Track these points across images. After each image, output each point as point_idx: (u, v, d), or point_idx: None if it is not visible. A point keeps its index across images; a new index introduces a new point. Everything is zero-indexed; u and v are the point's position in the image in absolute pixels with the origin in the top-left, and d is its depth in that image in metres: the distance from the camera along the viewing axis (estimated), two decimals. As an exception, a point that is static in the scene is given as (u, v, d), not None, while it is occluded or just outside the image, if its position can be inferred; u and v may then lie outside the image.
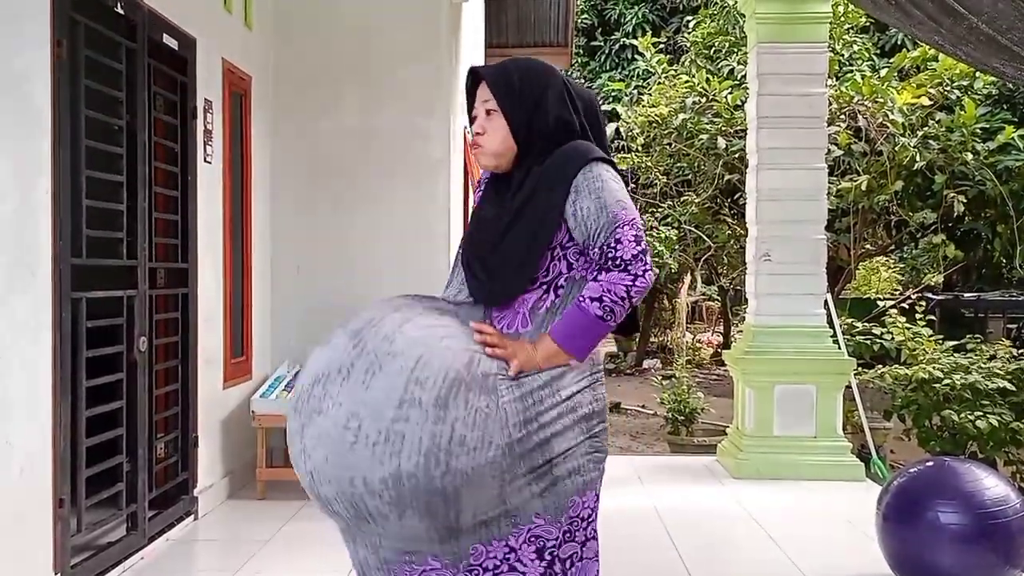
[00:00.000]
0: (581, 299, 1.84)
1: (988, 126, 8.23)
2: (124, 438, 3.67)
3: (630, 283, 1.83)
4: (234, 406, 4.92)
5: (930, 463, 3.64)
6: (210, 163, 4.56)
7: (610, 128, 9.91)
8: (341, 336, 1.84)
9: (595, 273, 1.85)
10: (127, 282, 3.75)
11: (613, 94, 12.37)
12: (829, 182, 6.18)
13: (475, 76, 2.01)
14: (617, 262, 1.82)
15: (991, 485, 3.32)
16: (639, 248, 1.84)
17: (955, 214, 7.88)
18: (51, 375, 3.13)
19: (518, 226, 1.90)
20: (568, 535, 1.88)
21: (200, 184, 4.40)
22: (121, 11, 3.63)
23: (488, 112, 1.96)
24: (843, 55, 9.29)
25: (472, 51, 7.22)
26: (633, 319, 2.07)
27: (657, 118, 9.34)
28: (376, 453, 1.70)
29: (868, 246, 9.72)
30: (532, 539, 1.84)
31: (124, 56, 3.69)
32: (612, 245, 1.83)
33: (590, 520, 1.91)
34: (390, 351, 1.75)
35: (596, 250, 1.85)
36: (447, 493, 1.72)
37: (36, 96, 3.05)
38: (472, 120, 2.02)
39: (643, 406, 10.61)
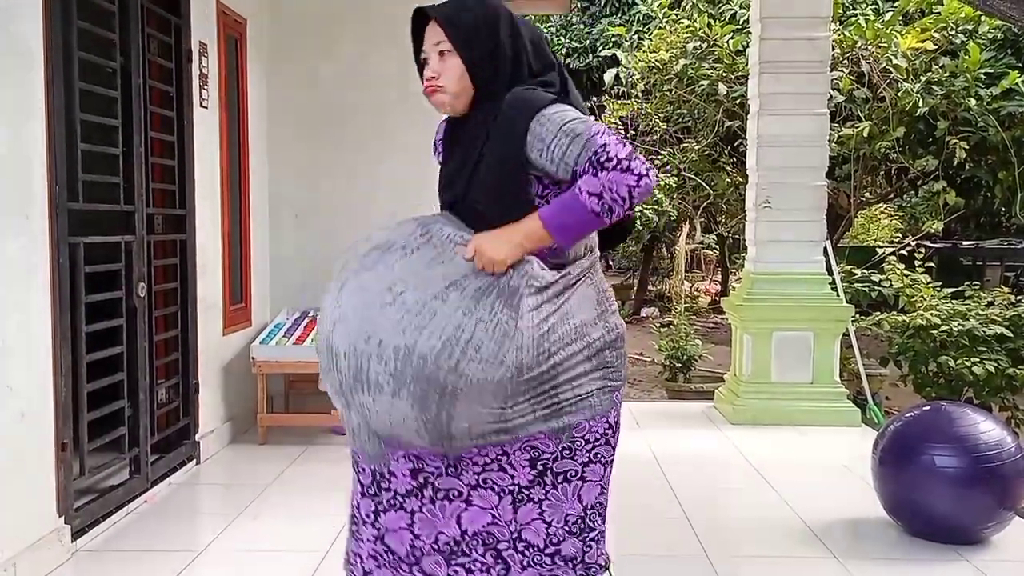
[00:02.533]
0: (579, 191, 1.76)
1: (992, 71, 8.12)
2: (125, 383, 3.69)
3: (634, 182, 1.75)
4: (234, 353, 4.93)
5: (926, 407, 3.66)
6: (206, 108, 4.50)
7: (610, 74, 9.78)
8: (410, 224, 1.88)
9: (591, 169, 1.76)
10: (125, 228, 3.73)
11: (613, 39, 12.20)
12: (830, 128, 6.11)
13: (422, 17, 1.92)
14: (614, 162, 1.74)
15: (987, 429, 3.34)
16: (629, 149, 1.77)
17: (956, 161, 7.82)
18: (50, 320, 3.13)
19: (485, 179, 1.88)
20: (567, 451, 1.86)
21: (196, 129, 4.35)
22: (112, -50, 3.55)
23: (442, 53, 1.89)
24: (847, -1, 9.14)
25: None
26: (622, 229, 2.05)
27: (657, 64, 9.20)
28: (404, 320, 1.73)
29: (867, 194, 9.67)
30: (527, 448, 1.84)
31: (116, -4, 3.62)
32: (599, 152, 1.75)
33: (596, 444, 1.89)
34: (455, 250, 1.81)
35: (586, 165, 1.77)
36: (445, 391, 1.72)
37: (26, 35, 3.00)
38: (421, 65, 1.95)
39: (641, 354, 10.65)
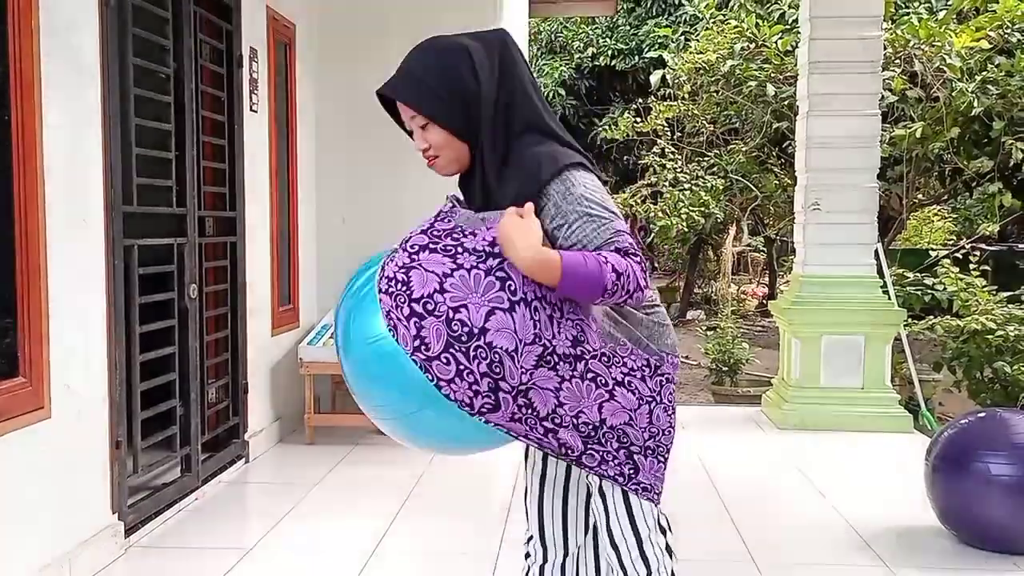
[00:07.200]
0: (605, 260, 1.66)
1: (1050, 70, 7.91)
2: (177, 383, 3.76)
3: (644, 284, 1.70)
4: (282, 353, 5.00)
5: (981, 414, 3.58)
6: (256, 112, 4.57)
7: (656, 75, 9.73)
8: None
9: (617, 251, 1.69)
10: (177, 230, 3.80)
11: (660, 40, 12.15)
12: (882, 129, 6.01)
13: (385, 97, 1.89)
14: (637, 259, 1.69)
15: (1044, 437, 3.26)
16: (646, 277, 1.72)
17: (1012, 162, 7.64)
18: (106, 320, 3.20)
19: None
20: (604, 358, 1.77)
21: (246, 133, 4.42)
22: (166, -42, 3.63)
23: (423, 127, 1.86)
24: (899, -3, 8.99)
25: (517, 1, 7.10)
26: None
27: (704, 65, 9.14)
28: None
29: (920, 196, 9.49)
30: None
31: (170, 3, 3.69)
32: (626, 247, 1.69)
33: (632, 372, 1.80)
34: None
35: (607, 249, 1.70)
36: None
37: (84, 44, 3.07)
38: (409, 131, 1.93)
39: (687, 357, 10.57)
